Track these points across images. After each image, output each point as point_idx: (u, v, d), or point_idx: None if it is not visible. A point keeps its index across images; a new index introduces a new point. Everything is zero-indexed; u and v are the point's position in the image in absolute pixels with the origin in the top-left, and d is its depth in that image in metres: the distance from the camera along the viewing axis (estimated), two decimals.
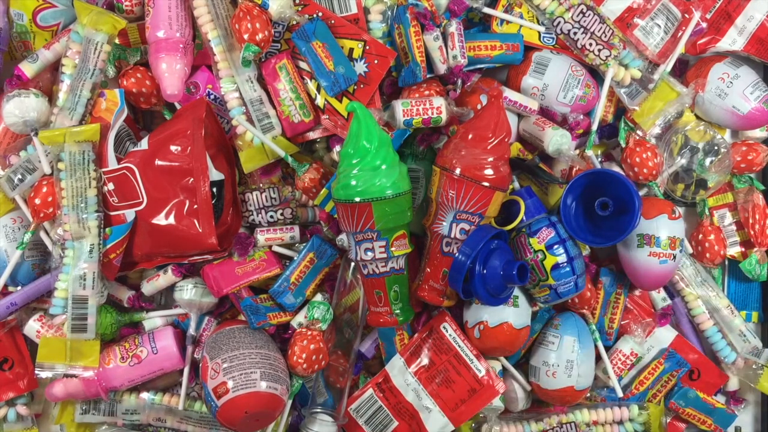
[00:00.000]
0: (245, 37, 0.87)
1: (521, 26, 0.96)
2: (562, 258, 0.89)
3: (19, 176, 0.93)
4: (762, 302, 1.03)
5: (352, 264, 0.93)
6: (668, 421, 1.00)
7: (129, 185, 0.90)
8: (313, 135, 0.94)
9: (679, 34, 0.96)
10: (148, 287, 0.96)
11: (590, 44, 0.94)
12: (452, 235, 0.88)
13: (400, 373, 0.95)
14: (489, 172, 0.86)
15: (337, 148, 0.94)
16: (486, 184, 0.86)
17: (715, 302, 0.98)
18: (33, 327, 0.94)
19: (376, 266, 0.88)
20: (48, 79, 0.95)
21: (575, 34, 0.95)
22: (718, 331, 0.99)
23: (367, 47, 0.91)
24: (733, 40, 0.99)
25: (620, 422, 0.98)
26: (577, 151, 0.97)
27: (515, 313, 0.91)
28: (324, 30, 0.90)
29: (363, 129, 0.84)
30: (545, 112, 0.96)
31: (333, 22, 0.91)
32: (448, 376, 0.94)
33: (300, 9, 0.91)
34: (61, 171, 0.89)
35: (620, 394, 0.96)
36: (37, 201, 0.90)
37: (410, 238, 0.89)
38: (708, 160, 0.96)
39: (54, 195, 0.90)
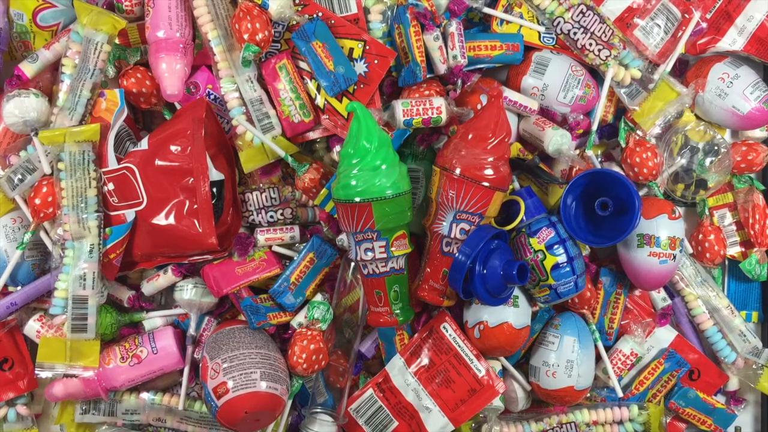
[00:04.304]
0: (245, 37, 0.87)
1: (521, 26, 0.96)
2: (562, 258, 0.89)
3: (19, 176, 0.93)
4: (762, 302, 1.03)
5: (352, 264, 0.93)
6: (668, 421, 1.00)
7: (129, 185, 0.90)
8: (313, 135, 0.94)
9: (679, 34, 0.96)
10: (148, 287, 0.96)
11: (590, 44, 0.94)
12: (452, 235, 0.88)
13: (400, 373, 0.95)
14: (489, 172, 0.86)
15: (337, 148, 0.94)
16: (486, 184, 0.86)
17: (715, 302, 0.98)
18: (33, 327, 0.94)
19: (376, 266, 0.88)
20: (48, 79, 0.95)
21: (575, 34, 0.95)
22: (718, 331, 0.99)
23: (367, 47, 0.91)
24: (733, 40, 0.99)
25: (620, 422, 0.98)
26: (577, 151, 0.97)
27: (515, 313, 0.91)
28: (324, 30, 0.90)
29: (363, 129, 0.84)
30: (545, 112, 0.96)
31: (333, 22, 0.91)
32: (448, 376, 0.94)
33: (300, 9, 0.91)
34: (61, 171, 0.89)
35: (620, 394, 0.96)
36: (37, 201, 0.90)
37: (410, 238, 0.89)
38: (708, 160, 0.96)
39: (54, 195, 0.90)
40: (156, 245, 0.91)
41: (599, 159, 0.99)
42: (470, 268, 0.86)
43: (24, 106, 0.90)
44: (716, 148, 0.96)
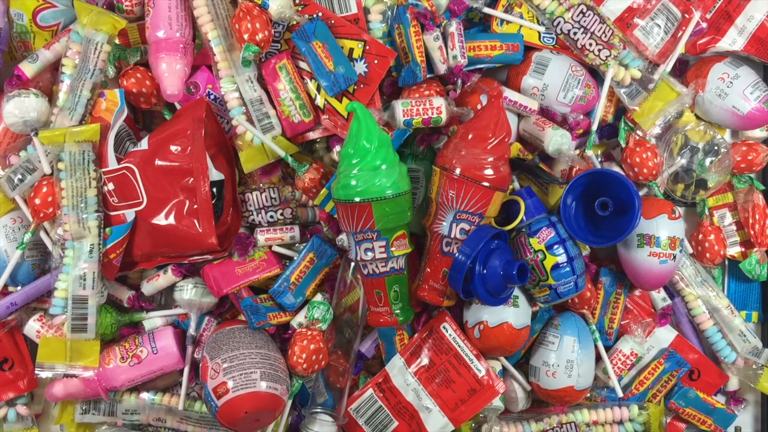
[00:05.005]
0: (245, 37, 0.87)
1: (521, 26, 0.96)
2: (562, 258, 0.89)
3: (19, 176, 0.93)
4: (762, 302, 1.03)
5: (352, 264, 0.93)
6: (668, 421, 1.00)
7: (129, 185, 0.90)
8: (313, 135, 0.94)
9: (679, 34, 0.96)
10: (148, 287, 0.96)
11: (590, 44, 0.94)
12: (452, 235, 0.88)
13: (400, 373, 0.95)
14: (489, 172, 0.86)
15: (337, 148, 0.94)
16: (486, 184, 0.86)
17: (715, 302, 0.98)
18: (33, 327, 0.94)
19: (376, 266, 0.88)
20: (48, 79, 0.95)
21: (575, 34, 0.95)
22: (718, 331, 0.99)
23: (367, 47, 0.91)
24: (733, 40, 0.99)
25: (620, 422, 0.98)
26: (577, 151, 0.97)
27: (515, 313, 0.91)
28: (324, 30, 0.90)
29: (363, 129, 0.84)
30: (545, 112, 0.96)
31: (333, 22, 0.91)
32: (448, 376, 0.94)
33: (300, 9, 0.91)
34: (61, 171, 0.89)
35: (620, 394, 0.96)
36: (37, 201, 0.90)
37: (410, 238, 0.89)
38: (708, 160, 0.96)
39: (54, 195, 0.90)
40: (156, 245, 0.91)
41: (599, 159, 0.99)
42: (470, 268, 0.86)
43: (24, 106, 0.90)
44: (716, 148, 0.96)
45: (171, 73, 0.90)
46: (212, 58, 0.92)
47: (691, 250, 0.99)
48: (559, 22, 0.95)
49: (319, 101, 0.93)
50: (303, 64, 0.92)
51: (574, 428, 0.96)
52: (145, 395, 0.96)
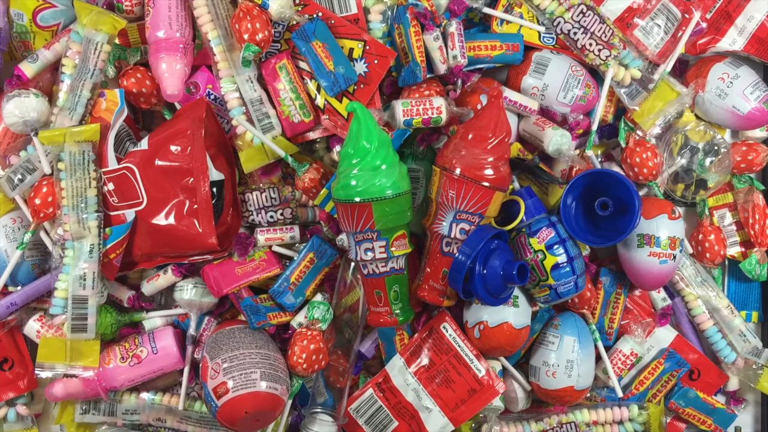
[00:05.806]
0: (245, 37, 0.87)
1: (521, 26, 0.96)
2: (562, 258, 0.89)
3: (19, 176, 0.93)
4: (762, 302, 1.03)
5: (352, 264, 0.93)
6: (668, 421, 1.00)
7: (129, 185, 0.90)
8: (313, 135, 0.94)
9: (679, 34, 0.96)
10: (148, 287, 0.96)
11: (590, 44, 0.94)
12: (452, 235, 0.88)
13: (400, 373, 0.95)
14: (489, 172, 0.86)
15: (337, 148, 0.94)
16: (486, 184, 0.86)
17: (715, 302, 0.98)
18: (33, 327, 0.94)
19: (376, 266, 0.88)
20: (48, 79, 0.95)
21: (575, 34, 0.95)
22: (718, 331, 0.99)
23: (367, 47, 0.91)
24: (733, 40, 0.99)
25: (620, 422, 0.98)
26: (577, 151, 0.97)
27: (515, 313, 0.91)
28: (324, 30, 0.90)
29: (363, 129, 0.84)
30: (545, 112, 0.96)
31: (333, 22, 0.91)
32: (448, 376, 0.94)
33: (300, 9, 0.91)
34: (61, 171, 0.89)
35: (620, 394, 0.96)
36: (37, 201, 0.90)
37: (410, 238, 0.89)
38: (708, 160, 0.96)
39: (54, 195, 0.90)
40: (156, 245, 0.91)
41: (599, 159, 0.99)
42: (470, 268, 0.86)
43: (24, 106, 0.90)
44: (716, 148, 0.96)
45: (171, 73, 0.90)
46: (212, 58, 0.92)
47: (691, 250, 0.99)
48: (559, 22, 0.95)
49: (319, 101, 0.93)
50: (303, 64, 0.92)
51: (574, 428, 0.96)
52: (145, 395, 0.96)
